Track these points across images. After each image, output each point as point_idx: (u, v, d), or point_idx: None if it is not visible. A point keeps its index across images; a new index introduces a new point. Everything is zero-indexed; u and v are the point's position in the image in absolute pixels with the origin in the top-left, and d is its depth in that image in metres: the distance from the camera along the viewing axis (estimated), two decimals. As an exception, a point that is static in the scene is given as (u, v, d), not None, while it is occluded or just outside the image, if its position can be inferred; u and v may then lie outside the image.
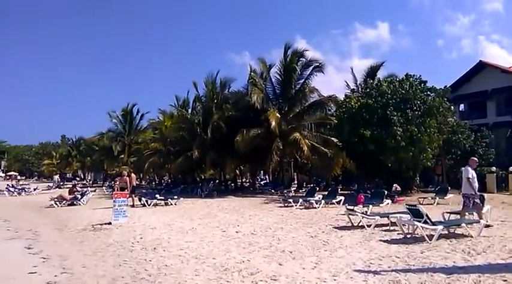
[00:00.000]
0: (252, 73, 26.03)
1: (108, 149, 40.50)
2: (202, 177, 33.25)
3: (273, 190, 24.76)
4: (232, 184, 31.81)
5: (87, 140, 51.24)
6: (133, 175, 19.40)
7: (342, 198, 16.06)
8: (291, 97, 25.50)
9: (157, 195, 19.51)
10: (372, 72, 25.82)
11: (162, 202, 18.36)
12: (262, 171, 39.73)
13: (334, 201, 15.93)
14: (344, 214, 11.61)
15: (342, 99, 23.59)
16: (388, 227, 9.78)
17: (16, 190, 32.33)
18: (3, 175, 72.86)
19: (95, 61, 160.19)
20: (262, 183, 35.19)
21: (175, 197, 19.19)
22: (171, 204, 18.08)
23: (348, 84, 27.24)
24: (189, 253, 7.73)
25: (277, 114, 23.78)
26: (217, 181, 31.85)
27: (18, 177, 68.86)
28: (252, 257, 7.30)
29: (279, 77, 25.76)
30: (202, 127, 26.87)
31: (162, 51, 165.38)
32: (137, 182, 22.57)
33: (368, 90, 20.37)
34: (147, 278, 6.05)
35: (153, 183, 42.72)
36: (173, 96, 32.28)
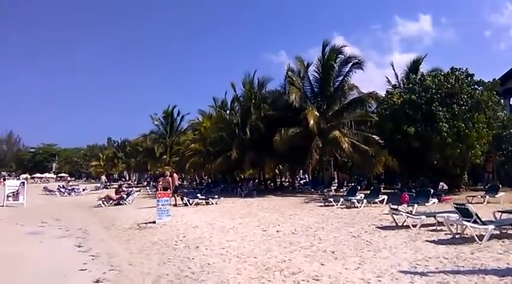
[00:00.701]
0: (289, 72, 25.94)
1: (150, 150, 41.82)
2: (242, 177, 33.51)
3: (312, 190, 24.53)
4: (272, 184, 31.83)
5: (132, 142, 53.20)
6: (175, 175, 19.88)
7: (385, 197, 15.64)
8: (329, 95, 25.14)
9: (198, 195, 19.88)
10: (414, 66, 24.89)
11: (203, 201, 18.69)
12: (301, 170, 39.44)
13: (376, 200, 15.56)
14: (387, 214, 11.30)
15: (383, 95, 22.95)
16: (434, 228, 9.40)
17: (66, 190, 34.04)
18: (55, 176, 76.90)
19: (138, 65, 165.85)
20: (301, 182, 34.97)
21: (216, 196, 19.48)
22: (212, 203, 18.37)
23: (389, 79, 26.47)
24: (230, 252, 7.82)
25: (316, 113, 23.52)
26: (256, 180, 31.99)
27: (68, 178, 72.60)
28: (293, 256, 7.27)
29: (317, 75, 25.48)
30: (241, 128, 27.08)
31: (200, 54, 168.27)
32: (179, 182, 23.10)
33: (411, 86, 19.69)
34: (191, 276, 6.18)
35: (195, 183, 43.60)
36: (211, 98, 32.72)
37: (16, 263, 7.91)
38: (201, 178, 44.79)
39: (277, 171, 33.10)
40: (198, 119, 37.34)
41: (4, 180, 36.64)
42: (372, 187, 18.45)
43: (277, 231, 10.22)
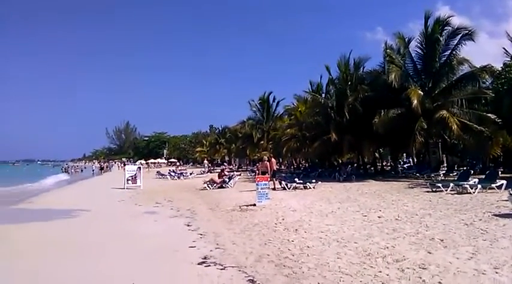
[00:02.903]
0: (388, 50, 24.40)
1: (249, 136, 43.32)
2: (340, 161, 32.85)
3: (418, 174, 22.99)
4: (372, 168, 30.62)
5: (231, 128, 55.73)
6: (273, 160, 20.32)
7: (504, 182, 13.99)
8: (435, 72, 23.05)
9: (296, 179, 20.06)
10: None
11: (301, 185, 18.79)
12: (405, 154, 37.20)
13: (493, 185, 13.99)
14: (507, 200, 10.08)
15: (500, 68, 20.27)
16: None
17: (176, 174, 37.13)
18: (166, 161, 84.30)
19: (236, 52, 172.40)
20: (405, 166, 32.96)
21: (314, 181, 19.43)
22: (310, 188, 18.38)
23: (506, 50, 23.19)
24: (330, 236, 7.77)
25: (420, 92, 21.82)
26: (355, 164, 31.09)
27: (177, 163, 78.99)
28: (397, 243, 6.93)
29: (419, 51, 23.56)
30: (337, 111, 26.42)
31: (296, 38, 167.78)
32: (277, 167, 23.57)
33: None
34: (291, 258, 6.30)
35: (292, 167, 44.05)
36: (307, 82, 32.46)
37: (137, 238, 8.93)
38: (298, 163, 45.07)
39: (377, 154, 31.73)
40: (293, 104, 37.48)
41: (124, 165, 41.31)
42: (488, 172, 16.57)
43: (379, 217, 9.83)
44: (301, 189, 18.47)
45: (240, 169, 46.34)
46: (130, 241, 8.66)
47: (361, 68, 27.35)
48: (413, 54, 23.93)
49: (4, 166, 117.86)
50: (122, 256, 7.28)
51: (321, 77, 31.22)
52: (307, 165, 40.33)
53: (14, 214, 14.03)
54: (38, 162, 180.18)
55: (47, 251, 7.92)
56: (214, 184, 21.69)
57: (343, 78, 27.28)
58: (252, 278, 5.37)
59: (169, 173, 37.65)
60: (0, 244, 8.65)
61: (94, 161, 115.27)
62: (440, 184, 15.22)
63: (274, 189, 17.80)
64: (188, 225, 10.15)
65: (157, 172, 41.68)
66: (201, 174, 39.48)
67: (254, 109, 44.55)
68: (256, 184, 13.44)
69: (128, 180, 24.65)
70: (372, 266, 5.62)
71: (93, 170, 58.60)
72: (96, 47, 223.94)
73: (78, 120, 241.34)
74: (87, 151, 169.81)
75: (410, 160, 36.42)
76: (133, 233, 9.50)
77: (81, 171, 69.06)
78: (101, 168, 60.96)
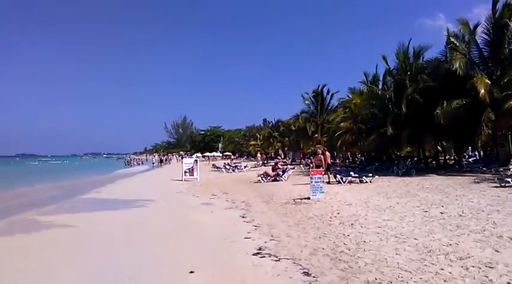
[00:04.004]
0: (450, 38, 22.94)
1: (302, 129, 42.95)
2: (398, 154, 31.61)
3: (484, 168, 21.50)
4: (434, 162, 29.09)
5: (285, 122, 55.67)
6: (327, 153, 20.02)
7: None
8: (503, 59, 21.32)
9: (351, 173, 19.63)
10: None
11: (357, 179, 18.37)
12: (470, 147, 34.95)
13: None
14: None
15: None
16: None
17: (231, 167, 37.87)
18: (221, 155, 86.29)
19: (288, 51, 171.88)
20: (470, 160, 30.94)
21: (370, 175, 18.91)
22: (366, 182, 17.91)
23: None
24: (387, 232, 7.55)
25: (487, 80, 20.33)
26: (415, 158, 29.75)
27: (232, 157, 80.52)
28: (461, 240, 6.58)
29: (486, 37, 21.89)
30: (395, 102, 25.37)
31: (348, 29, 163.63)
32: (331, 160, 23.12)
33: None
34: (347, 252, 6.22)
35: (347, 161, 43.15)
36: (362, 73, 31.36)
37: (195, 228, 9.30)
38: (354, 156, 44.02)
39: (439, 147, 30.10)
40: (348, 96, 36.56)
41: (182, 158, 42.85)
42: None
43: (441, 213, 9.36)
44: (357, 183, 18.06)
45: (294, 163, 46.19)
46: (190, 230, 9.05)
47: (422, 57, 25.99)
48: (479, 41, 22.33)
49: (74, 159, 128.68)
50: (183, 243, 7.67)
51: (376, 67, 30.11)
52: (363, 158, 39.28)
53: (85, 203, 15.19)
54: (104, 155, 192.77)
55: (121, 235, 8.53)
56: (268, 177, 21.86)
57: (402, 68, 26.06)
58: (306, 271, 5.38)
59: (224, 166, 38.49)
60: (84, 229, 9.52)
61: (154, 154, 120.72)
62: (510, 179, 14.14)
63: (328, 182, 17.57)
64: (243, 217, 10.35)
65: (212, 165, 42.83)
66: (255, 167, 39.93)
67: (308, 102, 44.05)
68: (311, 178, 13.35)
69: (185, 172, 25.61)
70: (433, 264, 5.39)
71: (153, 163, 61.54)
72: (157, 42, 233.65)
73: (140, 115, 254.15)
74: (147, 144, 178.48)
75: (476, 153, 34.18)
76: (192, 223, 9.90)
77: (142, 163, 72.82)
78: (161, 161, 63.85)
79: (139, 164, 70.57)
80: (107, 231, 9.39)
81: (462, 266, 5.20)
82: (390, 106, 25.83)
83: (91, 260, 6.64)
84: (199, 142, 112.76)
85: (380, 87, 28.93)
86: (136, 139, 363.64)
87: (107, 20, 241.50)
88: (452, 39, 22.70)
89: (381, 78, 29.54)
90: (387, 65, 27.32)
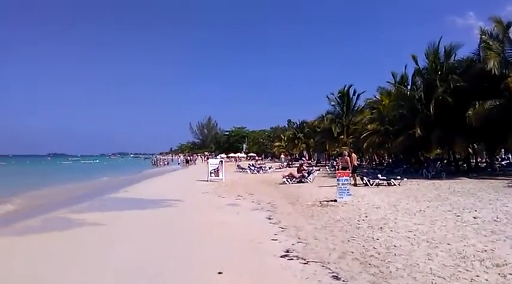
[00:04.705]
0: (483, 36, 22.18)
1: (328, 131, 42.49)
2: (427, 157, 30.79)
3: (519, 172, 20.68)
4: (464, 165, 28.17)
5: (309, 123, 55.26)
6: (353, 155, 19.75)
7: None
8: (543, 57, 20.45)
9: (379, 175, 19.25)
10: None
11: (385, 182, 18.01)
12: (503, 150, 33.66)
13: None
14: None
15: None
16: None
17: (255, 168, 37.95)
18: (245, 155, 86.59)
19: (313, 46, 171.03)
20: (503, 163, 29.80)
21: (398, 177, 18.49)
22: (394, 185, 17.54)
23: None
24: (418, 236, 7.35)
25: (522, 80, 19.54)
26: (445, 161, 28.90)
27: (256, 157, 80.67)
28: (497, 247, 6.34)
29: (522, 35, 21.03)
30: (424, 103, 24.69)
31: (375, 28, 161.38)
32: (357, 162, 22.75)
33: None
34: (376, 256, 6.10)
35: (373, 163, 42.41)
36: (389, 73, 30.74)
37: (222, 228, 9.35)
38: (381, 158, 43.19)
39: (470, 150, 29.13)
40: (375, 97, 35.94)
41: (207, 159, 43.28)
42: None
43: (474, 217, 9.04)
44: (385, 185, 17.70)
45: (319, 164, 45.80)
46: (216, 230, 9.10)
47: (453, 56, 25.23)
48: (514, 39, 21.48)
49: (103, 159, 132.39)
50: (210, 243, 7.71)
51: (405, 68, 29.49)
52: (390, 160, 38.50)
53: (114, 202, 15.57)
54: (131, 155, 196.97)
55: (149, 234, 8.72)
56: (294, 179, 21.74)
57: (432, 67, 25.36)
58: (336, 275, 5.31)
59: (249, 167, 38.58)
60: (113, 227, 9.82)
61: (179, 154, 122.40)
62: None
63: (355, 185, 17.31)
64: (269, 218, 10.34)
65: (237, 165, 43.02)
66: (280, 168, 39.84)
67: (333, 103, 43.52)
68: (337, 180, 13.17)
69: (211, 172, 25.80)
70: (467, 270, 5.22)
71: (178, 163, 62.53)
72: (182, 44, 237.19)
73: (165, 115, 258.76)
74: (173, 145, 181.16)
75: (510, 156, 32.92)
76: (218, 224, 9.95)
77: (168, 163, 74.00)
78: (187, 161, 64.74)
79: (165, 164, 71.79)
80: (135, 230, 9.59)
81: (499, 274, 5.01)
82: (419, 107, 25.18)
83: (119, 257, 6.77)
84: (224, 143, 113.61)
85: (409, 87, 28.29)
86: (162, 140, 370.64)
87: (140, 23, 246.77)
88: (485, 38, 21.96)
89: (409, 79, 28.94)
90: (417, 64, 26.67)
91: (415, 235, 7.48)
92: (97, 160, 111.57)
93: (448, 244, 6.65)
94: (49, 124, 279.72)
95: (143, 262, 6.37)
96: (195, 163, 67.31)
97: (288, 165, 43.59)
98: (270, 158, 78.46)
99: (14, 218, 11.71)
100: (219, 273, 5.61)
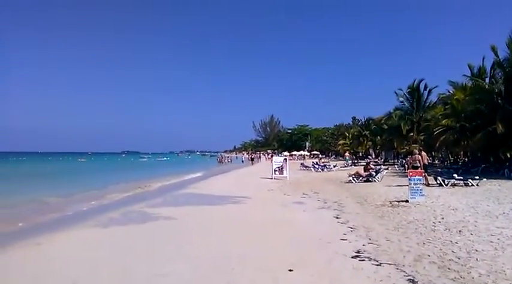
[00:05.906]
0: None
1: (396, 128, 40.65)
2: (509, 156, 28.26)
3: None
4: (553, 164, 25.46)
5: (375, 120, 53.29)
6: (423, 153, 18.78)
7: None
8: None
9: (454, 175, 18.08)
10: None
11: (461, 182, 16.86)
12: None
13: None
14: None
15: None
16: None
17: (320, 166, 37.49)
18: (309, 154, 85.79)
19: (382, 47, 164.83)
20: None
21: (477, 177, 17.20)
22: (472, 185, 16.35)
23: None
24: (503, 240, 6.83)
25: None
26: (530, 160, 26.33)
27: (320, 156, 79.63)
28: None
29: None
30: (505, 97, 22.75)
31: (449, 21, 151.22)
32: (429, 161, 21.53)
33: None
34: (456, 261, 5.78)
35: (447, 162, 39.84)
36: (466, 65, 28.59)
37: (290, 226, 9.41)
38: (456, 157, 40.41)
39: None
40: (448, 92, 33.67)
41: (271, 157, 43.60)
42: None
43: None
44: (461, 185, 16.58)
45: (387, 163, 44.02)
46: (284, 228, 9.18)
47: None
48: None
49: (172, 156, 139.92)
50: (279, 240, 7.82)
51: (483, 59, 27.29)
52: (466, 159, 35.91)
53: (185, 197, 16.33)
54: (197, 153, 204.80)
55: (220, 229, 9.10)
56: (360, 178, 21.17)
57: (515, 59, 23.24)
58: (412, 278, 5.12)
59: (313, 165, 38.22)
60: (186, 221, 10.37)
61: (243, 152, 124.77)
62: None
63: (428, 184, 16.43)
64: (337, 217, 10.19)
65: (301, 164, 42.81)
66: (345, 166, 38.97)
67: (402, 98, 41.39)
68: (409, 179, 12.60)
69: (275, 170, 26.00)
70: None
71: (242, 160, 63.86)
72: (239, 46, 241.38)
73: (229, 114, 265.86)
74: (236, 143, 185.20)
75: None
76: (286, 221, 10.03)
77: (231, 161, 75.86)
78: (252, 159, 65.91)
79: (229, 162, 73.65)
80: (206, 224, 9.99)
81: None
82: (500, 101, 23.22)
83: (194, 251, 7.10)
84: (287, 141, 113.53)
85: (487, 80, 26.17)
86: (226, 138, 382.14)
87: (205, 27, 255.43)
88: None
89: (488, 71, 26.74)
90: (496, 56, 24.57)
91: (498, 239, 6.95)
92: (168, 158, 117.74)
93: (539, 251, 6.10)
94: (125, 124, 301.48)
95: (217, 257, 6.61)
96: (259, 161, 68.16)
97: (353, 164, 42.45)
98: (333, 156, 77.03)
99: (98, 210, 12.87)
100: (290, 270, 5.67)
